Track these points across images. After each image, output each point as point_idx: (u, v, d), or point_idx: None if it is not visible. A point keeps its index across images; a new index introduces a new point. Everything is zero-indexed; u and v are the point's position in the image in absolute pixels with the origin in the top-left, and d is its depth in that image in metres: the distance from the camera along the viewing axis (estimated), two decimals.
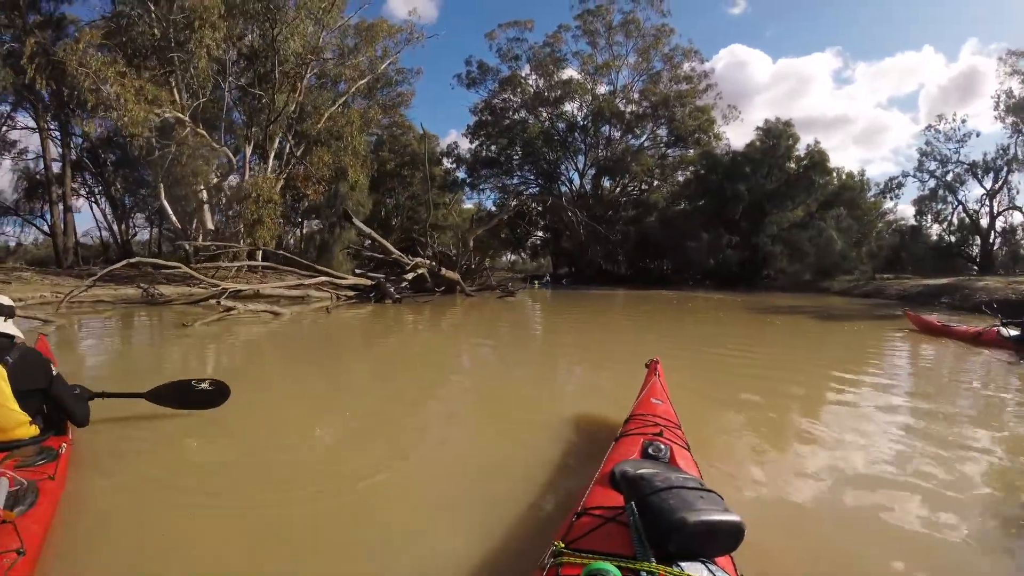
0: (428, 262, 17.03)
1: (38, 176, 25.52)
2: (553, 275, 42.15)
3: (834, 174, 30.22)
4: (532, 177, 41.95)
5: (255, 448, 3.59)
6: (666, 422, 2.74)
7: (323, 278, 15.00)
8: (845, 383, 5.72)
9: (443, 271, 17.41)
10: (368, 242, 18.41)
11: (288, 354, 7.72)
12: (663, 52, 37.89)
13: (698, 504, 1.50)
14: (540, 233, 44.40)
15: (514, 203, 37.96)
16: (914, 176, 31.63)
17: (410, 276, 16.13)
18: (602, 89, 38.76)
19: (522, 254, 50.16)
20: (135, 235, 29.84)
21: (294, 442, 3.71)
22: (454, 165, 40.48)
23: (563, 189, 41.13)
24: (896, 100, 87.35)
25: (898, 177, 32.19)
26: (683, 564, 1.44)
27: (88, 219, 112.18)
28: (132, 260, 12.58)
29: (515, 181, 42.16)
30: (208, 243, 17.11)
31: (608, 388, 5.55)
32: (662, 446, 2.36)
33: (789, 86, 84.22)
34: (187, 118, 17.55)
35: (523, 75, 38.62)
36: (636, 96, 38.32)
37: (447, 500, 2.74)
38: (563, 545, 1.62)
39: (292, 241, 32.10)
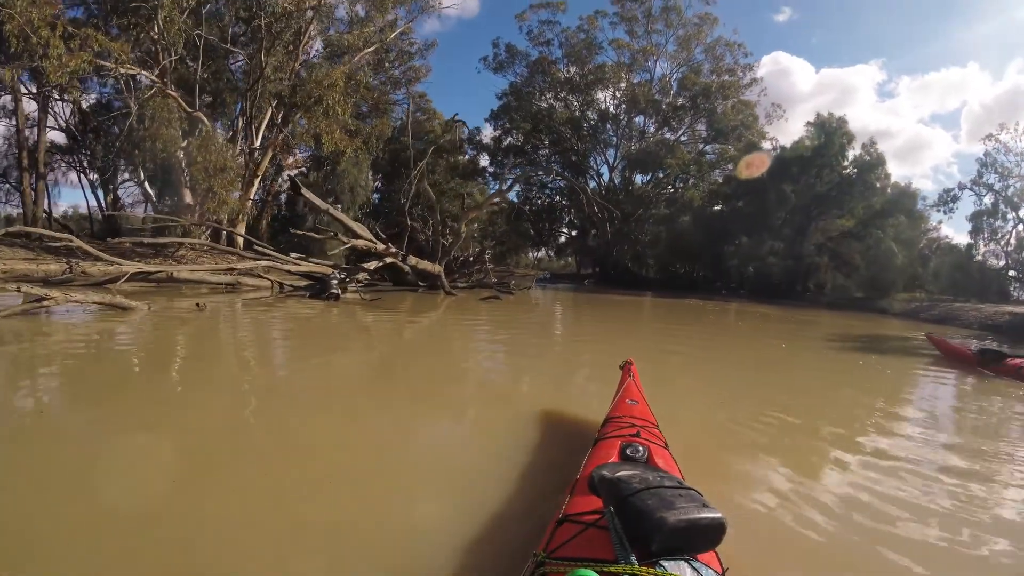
0: (386, 248, 13.74)
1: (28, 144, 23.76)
2: (576, 275, 40.04)
3: (890, 178, 27.13)
4: (559, 169, 39.51)
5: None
6: (643, 422, 2.65)
7: (264, 262, 12.40)
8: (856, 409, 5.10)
9: (411, 261, 14.25)
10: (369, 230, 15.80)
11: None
12: (705, 43, 35.52)
13: (677, 503, 1.46)
14: (565, 230, 42.61)
15: (513, 179, 35.44)
16: (971, 189, 28.24)
17: (372, 266, 13.39)
18: (638, 79, 36.10)
19: (548, 252, 48.35)
20: (122, 207, 27.76)
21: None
22: (475, 151, 38.21)
23: (592, 184, 38.42)
24: (939, 117, 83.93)
25: (953, 189, 28.61)
26: (665, 564, 1.40)
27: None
28: (11, 229, 10.40)
29: (541, 173, 39.68)
30: (147, 215, 14.90)
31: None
32: (640, 447, 2.28)
33: (831, 97, 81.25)
34: (155, 77, 15.43)
35: (553, 59, 36.15)
36: (674, 87, 35.60)
37: (421, 512, 2.50)
38: (544, 554, 1.58)
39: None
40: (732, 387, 5.80)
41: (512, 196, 41.30)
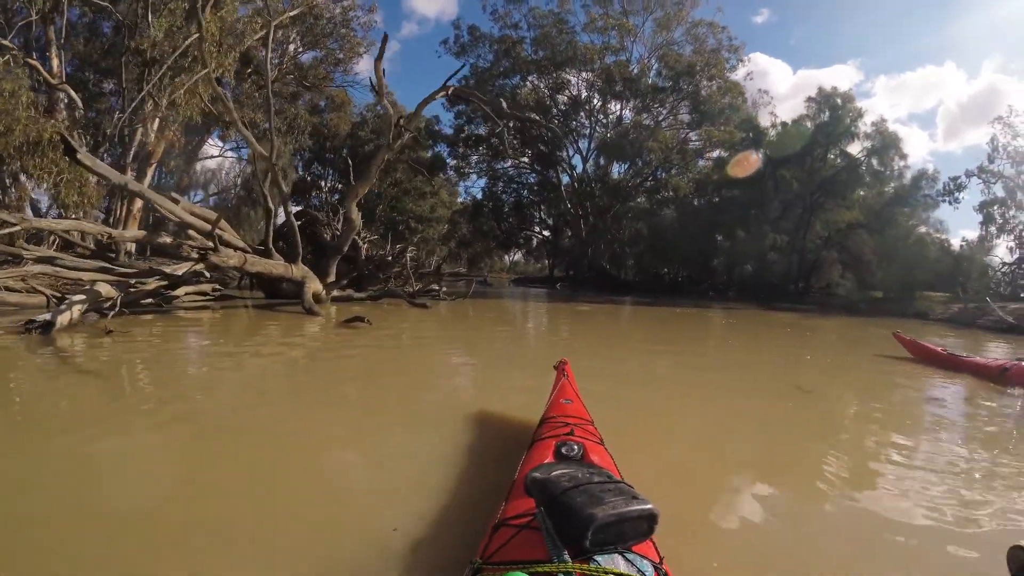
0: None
1: None
2: (548, 278, 36.33)
3: (907, 159, 23.46)
4: (527, 162, 35.68)
5: None
6: (577, 420, 2.54)
7: (37, 268, 7.75)
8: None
9: (220, 259, 8.56)
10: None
11: None
12: (686, 23, 32.47)
13: (607, 498, 1.41)
14: (537, 229, 39.10)
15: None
16: (979, 176, 24.82)
17: (182, 270, 8.26)
18: (613, 60, 32.30)
19: (523, 255, 47.60)
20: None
21: None
22: (431, 142, 34.15)
23: (564, 179, 34.51)
24: (915, 116, 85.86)
25: (960, 177, 24.66)
26: (599, 558, 1.34)
27: None
28: None
29: (507, 165, 35.83)
30: None
31: None
32: (575, 445, 2.18)
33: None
34: None
35: (517, 38, 32.45)
36: (654, 66, 32.00)
37: (359, 521, 2.23)
38: (480, 561, 1.50)
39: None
40: None
41: (477, 192, 37.78)
